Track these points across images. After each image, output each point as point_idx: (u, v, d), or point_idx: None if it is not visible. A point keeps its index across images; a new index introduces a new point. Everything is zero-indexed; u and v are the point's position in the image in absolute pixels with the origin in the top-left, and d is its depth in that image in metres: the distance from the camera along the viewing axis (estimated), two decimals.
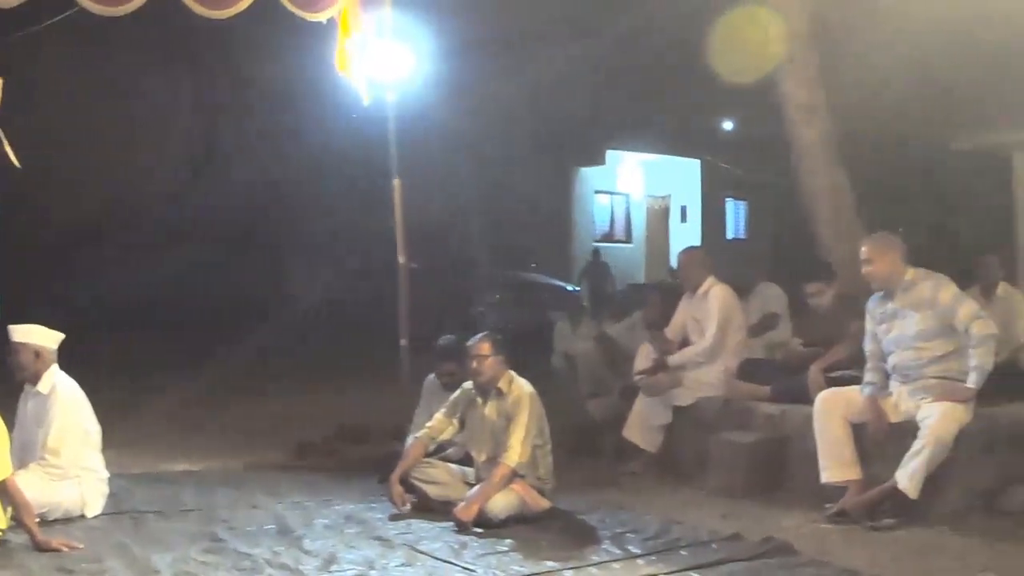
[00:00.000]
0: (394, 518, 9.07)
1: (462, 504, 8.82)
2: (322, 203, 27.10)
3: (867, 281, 9.24)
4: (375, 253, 15.72)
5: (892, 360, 9.10)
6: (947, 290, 8.95)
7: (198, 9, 10.43)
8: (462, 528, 8.62)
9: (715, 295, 11.05)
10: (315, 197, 27.09)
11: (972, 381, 8.73)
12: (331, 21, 11.41)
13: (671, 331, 11.41)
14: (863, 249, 9.21)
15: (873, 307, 9.28)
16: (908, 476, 8.48)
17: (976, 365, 8.73)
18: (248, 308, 22.53)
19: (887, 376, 9.19)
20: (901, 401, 9.03)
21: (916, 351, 8.93)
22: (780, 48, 12.81)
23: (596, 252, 33.58)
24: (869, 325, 9.31)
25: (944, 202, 21.55)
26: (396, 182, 12.20)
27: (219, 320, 21.71)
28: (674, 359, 11.10)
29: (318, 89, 14.96)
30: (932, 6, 13.19)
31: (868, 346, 9.31)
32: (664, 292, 12.85)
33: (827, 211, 12.84)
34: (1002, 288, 12.25)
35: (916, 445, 8.55)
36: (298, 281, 26.13)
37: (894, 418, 9.03)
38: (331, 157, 25.55)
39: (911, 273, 9.06)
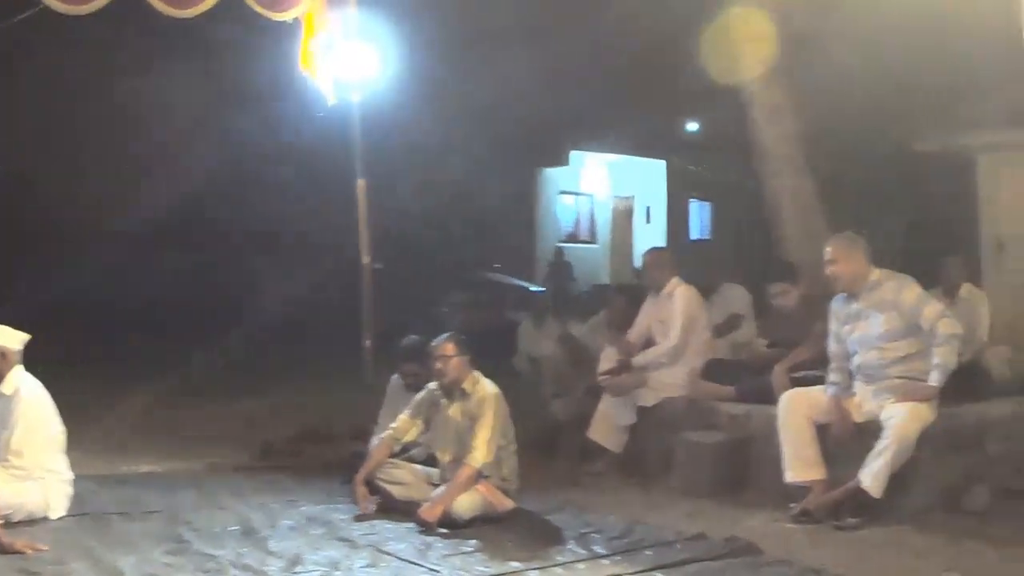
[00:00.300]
0: (358, 519, 9.05)
1: (426, 505, 8.82)
2: (287, 203, 27.02)
3: (831, 281, 9.26)
4: (339, 253, 15.68)
5: (856, 360, 9.14)
6: (911, 291, 9.00)
7: (162, 8, 10.41)
8: (426, 528, 8.63)
9: (680, 296, 11.08)
10: (280, 198, 27.01)
11: (934, 379, 8.78)
12: (296, 21, 11.41)
13: (635, 332, 11.42)
14: (828, 249, 9.24)
15: (837, 308, 9.31)
16: (872, 476, 8.52)
17: (939, 363, 8.78)
18: (212, 309, 22.45)
19: (851, 376, 9.23)
20: (865, 401, 9.07)
21: (880, 351, 8.98)
22: (746, 50, 12.83)
23: (559, 252, 33.54)
24: (833, 326, 9.34)
25: (908, 203, 21.61)
26: (360, 182, 12.20)
27: (183, 321, 21.62)
28: (638, 359, 11.12)
29: (283, 89, 14.92)
30: (897, 8, 13.23)
31: (832, 347, 9.35)
32: (628, 293, 12.86)
33: (791, 212, 12.87)
34: (965, 289, 12.31)
35: (880, 445, 8.59)
36: (263, 282, 26.04)
37: (858, 418, 9.07)
38: (296, 157, 25.51)
39: (876, 274, 9.11)
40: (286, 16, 11.29)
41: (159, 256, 25.77)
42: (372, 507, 9.26)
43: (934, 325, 8.80)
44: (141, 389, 15.09)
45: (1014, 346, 11.57)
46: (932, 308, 8.92)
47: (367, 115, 12.21)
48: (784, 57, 12.89)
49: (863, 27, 13.89)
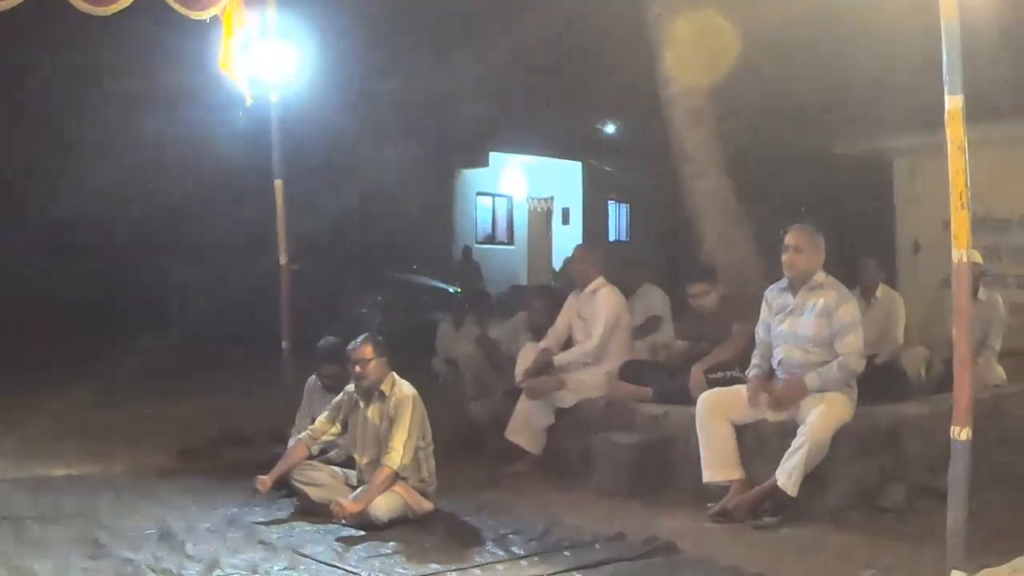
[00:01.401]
0: (269, 523, 8.99)
1: (344, 500, 8.80)
2: (204, 204, 26.82)
3: (785, 268, 9.24)
4: (257, 254, 15.60)
5: (779, 355, 9.20)
6: (848, 309, 9.04)
7: (80, 5, 10.27)
8: (340, 516, 8.63)
9: (604, 296, 11.10)
10: (197, 197, 26.80)
11: (810, 379, 8.91)
12: (214, 19, 11.32)
13: (556, 329, 11.42)
14: (791, 236, 9.21)
15: (771, 297, 9.37)
16: (787, 474, 8.58)
17: (823, 372, 8.91)
18: (129, 311, 22.28)
19: (772, 369, 9.28)
20: None
21: (805, 352, 9.04)
22: (666, 53, 12.84)
23: (467, 251, 33.37)
24: (764, 313, 9.41)
25: (826, 205, 21.81)
26: (278, 183, 12.14)
27: (99, 323, 21.43)
28: (559, 359, 11.12)
29: (201, 88, 14.80)
30: (816, 14, 13.32)
31: (760, 333, 9.41)
32: (547, 295, 12.86)
33: (711, 214, 12.90)
34: (881, 290, 12.41)
35: (795, 443, 8.66)
36: (180, 283, 25.87)
37: (775, 417, 9.12)
38: (213, 157, 25.32)
39: (821, 276, 9.16)
40: (204, 15, 11.18)
41: (74, 257, 25.48)
42: (263, 489, 9.22)
43: (847, 354, 8.89)
44: (57, 391, 14.94)
45: (930, 346, 11.67)
46: (855, 339, 8.98)
47: (285, 115, 12.15)
48: (704, 60, 12.92)
49: (783, 32, 13.98)
